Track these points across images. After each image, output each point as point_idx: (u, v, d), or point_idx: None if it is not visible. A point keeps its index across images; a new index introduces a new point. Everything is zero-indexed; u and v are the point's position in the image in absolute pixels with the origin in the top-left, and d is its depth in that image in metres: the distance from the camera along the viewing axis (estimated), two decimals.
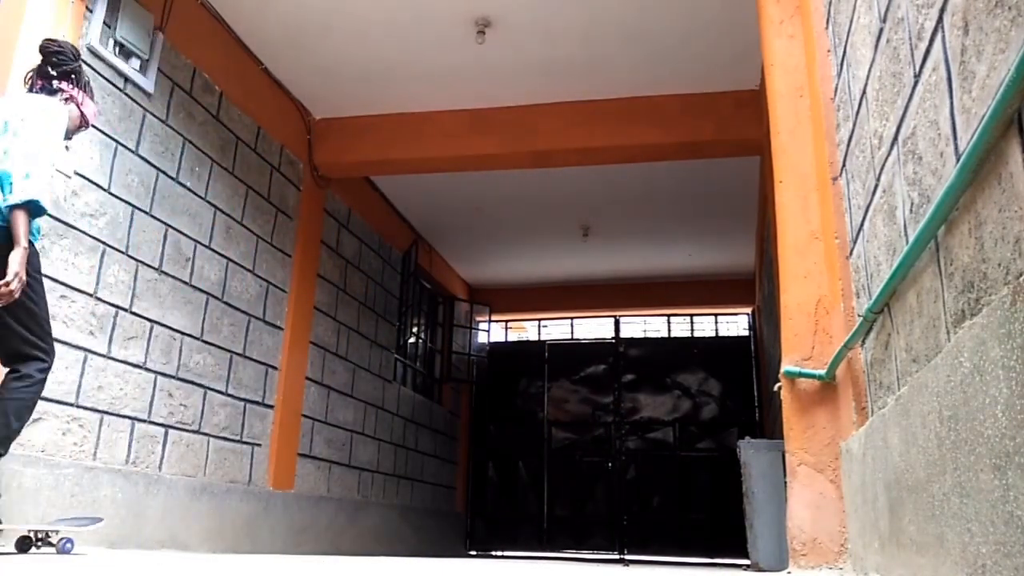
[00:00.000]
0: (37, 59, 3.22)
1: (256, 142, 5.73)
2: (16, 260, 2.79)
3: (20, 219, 2.82)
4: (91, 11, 4.11)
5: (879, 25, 1.83)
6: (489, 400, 10.99)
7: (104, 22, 4.17)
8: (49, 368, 2.98)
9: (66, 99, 3.15)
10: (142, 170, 4.50)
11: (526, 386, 11.08)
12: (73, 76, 3.21)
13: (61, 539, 2.99)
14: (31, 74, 3.21)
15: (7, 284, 2.75)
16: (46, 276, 3.74)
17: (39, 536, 2.99)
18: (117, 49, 4.27)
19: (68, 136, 3.23)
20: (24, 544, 2.97)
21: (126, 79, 4.37)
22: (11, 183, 2.83)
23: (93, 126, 3.98)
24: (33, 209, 2.86)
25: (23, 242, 2.81)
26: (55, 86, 3.16)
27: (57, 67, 3.17)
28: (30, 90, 3.18)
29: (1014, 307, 0.99)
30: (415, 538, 8.28)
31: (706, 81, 5.82)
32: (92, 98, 3.31)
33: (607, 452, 10.58)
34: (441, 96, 6.20)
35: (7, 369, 2.93)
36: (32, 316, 2.92)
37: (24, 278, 2.79)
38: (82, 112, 3.22)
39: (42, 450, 3.69)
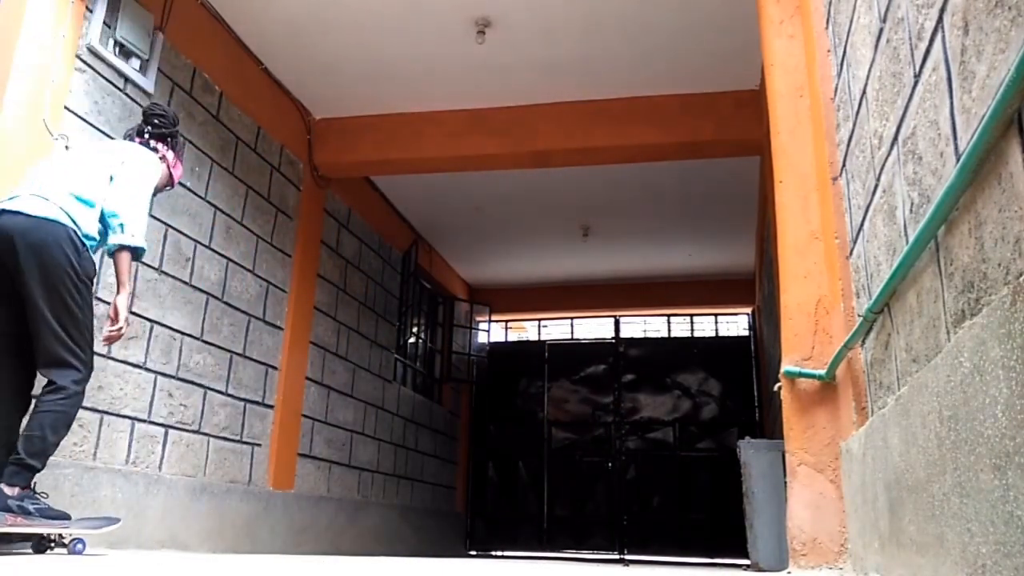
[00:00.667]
0: (138, 119, 3.52)
1: (256, 142, 5.73)
2: (124, 305, 3.00)
3: (125, 261, 3.01)
4: (91, 11, 4.10)
5: (879, 25, 1.83)
6: (489, 400, 10.98)
7: (104, 22, 4.17)
8: (85, 380, 2.94)
9: (160, 157, 3.38)
10: None
11: (526, 386, 11.07)
12: (169, 139, 3.47)
13: (72, 540, 2.96)
14: (131, 131, 3.48)
15: (119, 329, 2.94)
16: None
17: (53, 537, 2.96)
18: (117, 49, 4.27)
19: (154, 193, 3.41)
20: (41, 545, 2.95)
21: (126, 79, 4.36)
22: (121, 224, 3.01)
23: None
24: (138, 255, 3.07)
25: (128, 286, 3.02)
26: (151, 145, 3.40)
27: (157, 128, 3.43)
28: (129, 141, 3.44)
29: (1014, 307, 0.99)
30: (415, 538, 8.28)
31: (706, 81, 5.82)
32: (182, 161, 3.58)
33: (607, 452, 10.58)
34: (441, 96, 6.20)
35: (44, 381, 2.92)
36: (75, 321, 2.91)
37: (129, 321, 2.98)
38: (171, 174, 3.47)
39: None
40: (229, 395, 5.26)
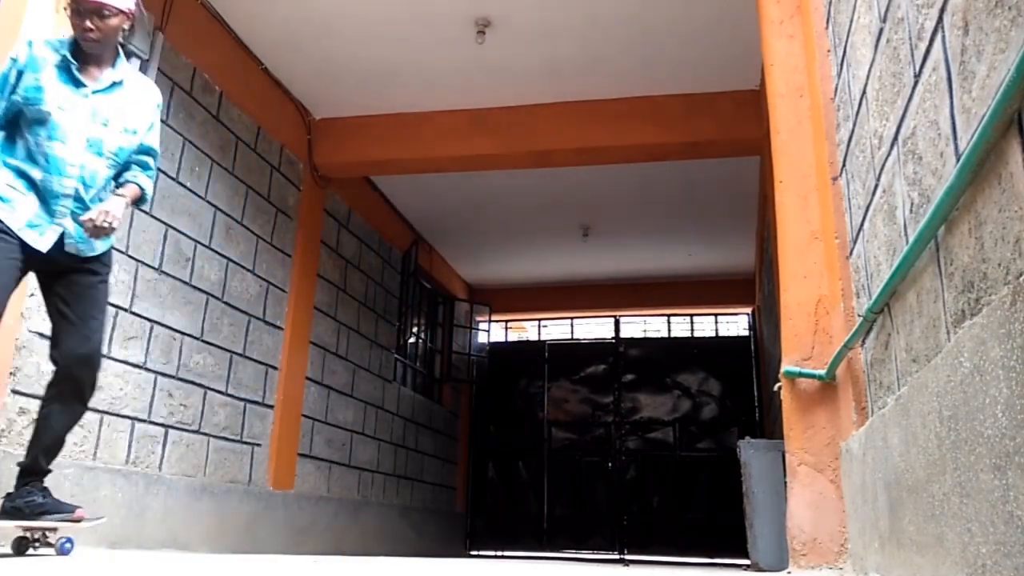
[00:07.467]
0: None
1: (256, 142, 5.73)
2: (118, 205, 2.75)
3: (134, 194, 2.90)
4: None
5: (879, 25, 1.83)
6: (489, 400, 10.98)
7: None
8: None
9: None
10: None
11: (526, 386, 11.07)
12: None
13: (60, 539, 2.74)
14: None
15: (92, 219, 2.63)
16: None
17: (36, 536, 2.74)
18: None
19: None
20: (22, 545, 2.73)
21: None
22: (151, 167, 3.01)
23: None
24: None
25: (128, 200, 2.83)
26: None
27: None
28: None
29: (1014, 307, 0.99)
30: (415, 538, 8.28)
31: (706, 81, 5.82)
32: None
33: (607, 452, 10.58)
34: (441, 96, 6.20)
35: (67, 380, 2.76)
36: (105, 314, 2.91)
37: (116, 223, 2.71)
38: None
39: None
40: (229, 395, 5.26)
